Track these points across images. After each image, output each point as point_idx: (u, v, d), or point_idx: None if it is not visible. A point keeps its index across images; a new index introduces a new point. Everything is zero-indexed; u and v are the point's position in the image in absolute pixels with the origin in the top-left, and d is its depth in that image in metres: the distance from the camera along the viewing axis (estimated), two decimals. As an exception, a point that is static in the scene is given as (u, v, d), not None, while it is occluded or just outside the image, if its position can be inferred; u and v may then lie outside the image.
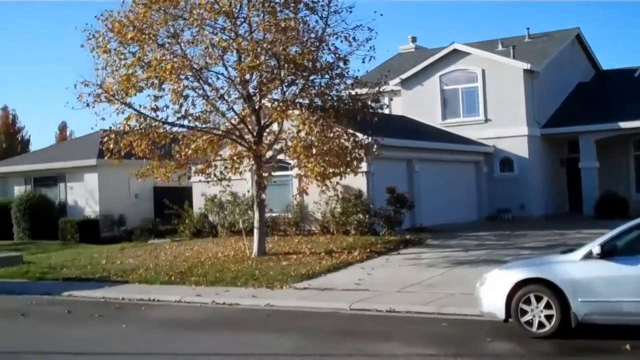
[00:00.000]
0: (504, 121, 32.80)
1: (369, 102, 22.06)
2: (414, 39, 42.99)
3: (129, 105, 21.00)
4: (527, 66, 32.69)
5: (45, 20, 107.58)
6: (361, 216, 25.20)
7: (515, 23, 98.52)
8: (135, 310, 15.95)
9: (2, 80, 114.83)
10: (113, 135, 21.26)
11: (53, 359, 11.42)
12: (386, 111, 30.44)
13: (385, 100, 28.48)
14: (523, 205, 32.18)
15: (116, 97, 20.68)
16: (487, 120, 33.48)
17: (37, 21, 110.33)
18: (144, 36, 20.37)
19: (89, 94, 20.55)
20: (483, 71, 33.55)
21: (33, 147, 63.96)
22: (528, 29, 37.79)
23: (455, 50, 34.32)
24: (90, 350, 11.82)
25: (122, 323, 13.98)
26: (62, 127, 73.65)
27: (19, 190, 36.63)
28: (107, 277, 20.82)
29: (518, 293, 11.07)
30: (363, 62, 21.29)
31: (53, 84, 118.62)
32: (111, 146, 21.15)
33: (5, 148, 61.17)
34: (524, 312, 10.98)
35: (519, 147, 32.73)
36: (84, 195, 35.03)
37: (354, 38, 20.98)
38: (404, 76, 35.07)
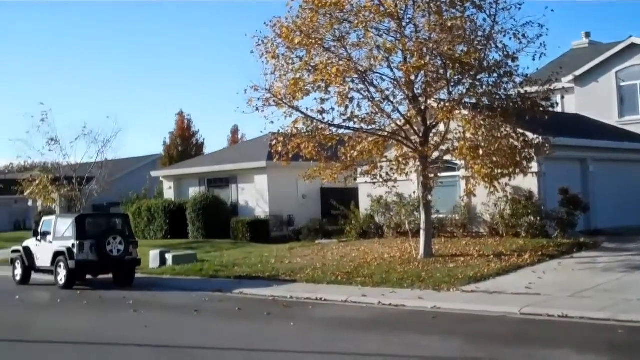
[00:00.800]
0: (686, 118, 30.77)
1: (539, 101, 21.34)
2: (587, 34, 41.23)
3: (297, 109, 21.42)
4: None
5: (216, 28, 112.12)
6: (532, 218, 24.41)
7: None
8: (303, 309, 16.22)
9: (178, 86, 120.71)
10: (281, 138, 21.74)
11: (223, 355, 11.78)
12: (558, 109, 29.32)
13: (557, 98, 27.47)
14: None
15: (284, 100, 21.13)
16: (668, 117, 31.53)
17: (208, 29, 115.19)
18: (310, 40, 20.70)
19: (259, 99, 21.13)
20: (663, 66, 31.64)
21: (207, 150, 66.45)
22: None
23: (632, 45, 32.57)
24: (258, 347, 12.11)
25: (290, 321, 14.24)
26: (234, 131, 76.29)
27: (193, 191, 38.24)
28: (276, 275, 21.34)
29: None
30: (533, 59, 20.63)
31: (225, 89, 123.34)
32: (280, 149, 21.64)
33: (181, 151, 63.90)
34: None
35: None
36: (254, 196, 36.08)
37: (523, 35, 20.40)
38: (577, 73, 33.73)
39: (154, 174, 43.35)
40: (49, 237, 22.74)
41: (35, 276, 23.73)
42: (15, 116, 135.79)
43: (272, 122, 21.48)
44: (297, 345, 12.13)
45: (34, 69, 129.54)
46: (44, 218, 24.43)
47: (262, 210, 35.37)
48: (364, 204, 29.67)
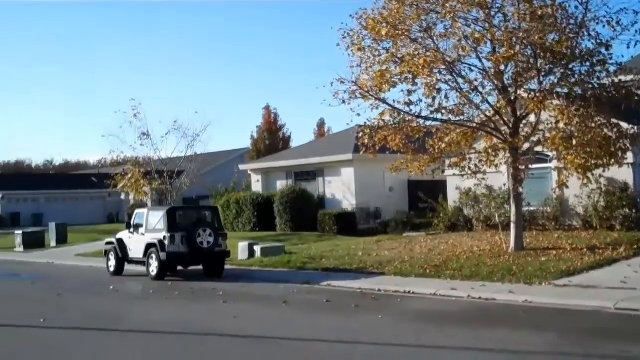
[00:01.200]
0: None
1: (635, 90, 20.66)
2: (685, 20, 39.58)
3: (383, 101, 21.31)
4: None
5: (302, 23, 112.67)
6: (627, 210, 23.71)
7: None
8: (391, 301, 16.13)
9: (264, 81, 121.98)
10: (368, 131, 21.69)
11: (311, 346, 11.82)
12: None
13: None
14: None
15: (370, 93, 21.06)
16: None
17: (294, 24, 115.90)
18: (397, 32, 20.56)
19: (345, 91, 21.13)
20: None
21: (293, 143, 67.07)
22: None
23: None
24: (346, 339, 12.10)
25: (378, 314, 14.19)
26: (320, 124, 76.78)
27: (281, 184, 38.59)
28: (364, 268, 21.31)
29: None
30: (627, 47, 19.95)
31: (311, 82, 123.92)
32: (366, 141, 21.59)
33: (268, 145, 64.69)
34: None
35: None
36: (341, 189, 36.15)
37: (617, 22, 19.75)
38: (674, 60, 32.48)
39: (242, 167, 43.95)
40: (142, 230, 23.29)
41: (128, 267, 24.35)
42: (108, 113, 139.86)
43: (359, 115, 21.48)
44: (386, 338, 12.06)
45: (127, 66, 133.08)
46: (137, 211, 25.03)
47: (348, 202, 35.41)
48: (452, 197, 29.37)
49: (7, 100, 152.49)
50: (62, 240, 39.88)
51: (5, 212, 62.70)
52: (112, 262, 24.47)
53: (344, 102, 21.19)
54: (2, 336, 13.62)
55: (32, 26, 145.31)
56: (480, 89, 21.19)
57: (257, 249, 25.84)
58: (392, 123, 21.45)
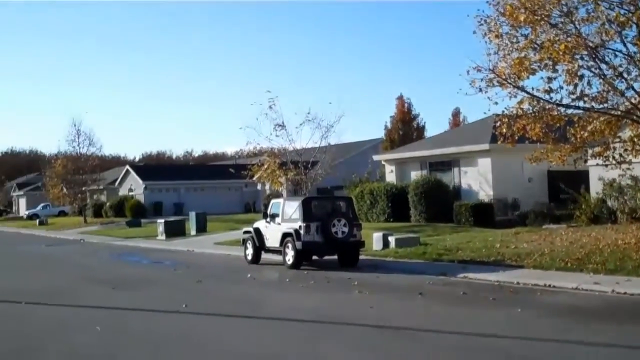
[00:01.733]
0: None
1: None
2: None
3: (522, 89, 20.70)
4: None
5: (434, 10, 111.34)
6: None
7: None
8: (530, 295, 15.68)
9: (398, 71, 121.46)
10: (506, 120, 21.18)
11: (449, 339, 11.63)
12: None
13: None
14: None
15: (508, 80, 20.50)
16: None
17: (427, 12, 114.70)
18: (536, 17, 19.89)
19: (482, 79, 20.65)
20: None
21: (427, 133, 66.54)
22: None
23: None
24: (484, 332, 11.83)
25: (517, 307, 13.81)
26: (455, 113, 75.76)
27: (415, 174, 38.36)
28: (502, 260, 20.86)
29: None
30: None
31: (445, 71, 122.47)
32: (504, 130, 21.09)
33: (402, 135, 64.41)
34: None
35: None
36: (477, 179, 35.54)
37: None
38: None
39: (375, 157, 43.99)
40: (278, 219, 23.68)
41: (264, 256, 24.84)
42: (245, 105, 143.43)
43: (496, 103, 20.94)
44: (524, 332, 11.71)
45: (263, 61, 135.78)
46: (273, 201, 25.48)
47: (485, 193, 34.77)
48: (595, 188, 28.29)
49: (149, 95, 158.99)
50: (201, 228, 41.25)
51: (148, 202, 65.49)
52: (250, 251, 25.03)
53: (480, 90, 20.73)
54: (148, 320, 14.19)
55: (182, 24, 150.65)
56: (625, 75, 20.22)
57: (392, 239, 25.77)
58: (531, 112, 20.84)
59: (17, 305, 16.28)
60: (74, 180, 63.88)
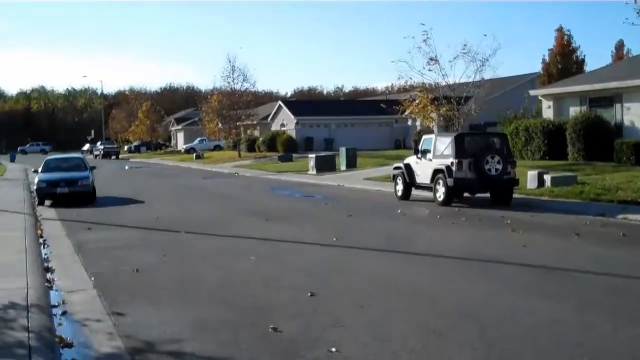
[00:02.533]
0: None
1: None
2: None
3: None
4: None
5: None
6: None
7: None
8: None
9: (557, 1, 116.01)
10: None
11: (608, 280, 11.12)
12: None
13: None
14: None
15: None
16: None
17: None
18: None
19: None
20: None
21: (588, 67, 63.57)
22: None
23: None
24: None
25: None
26: (619, 46, 71.85)
27: (573, 110, 36.73)
28: (665, 202, 19.77)
29: None
30: None
31: (607, 1, 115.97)
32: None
33: (560, 69, 61.82)
34: None
35: None
36: (640, 116, 33.65)
37: None
38: None
39: (532, 92, 42.45)
40: (429, 155, 23.39)
41: (414, 192, 24.68)
42: (397, 40, 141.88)
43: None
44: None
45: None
46: (424, 137, 25.16)
47: (649, 131, 32.88)
48: None
49: (302, 33, 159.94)
50: (351, 164, 41.54)
51: (299, 137, 66.52)
52: (400, 187, 24.92)
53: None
54: (300, 251, 14.44)
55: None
56: None
57: (547, 178, 24.92)
58: None
59: (177, 235, 17.01)
60: (229, 115, 65.77)
